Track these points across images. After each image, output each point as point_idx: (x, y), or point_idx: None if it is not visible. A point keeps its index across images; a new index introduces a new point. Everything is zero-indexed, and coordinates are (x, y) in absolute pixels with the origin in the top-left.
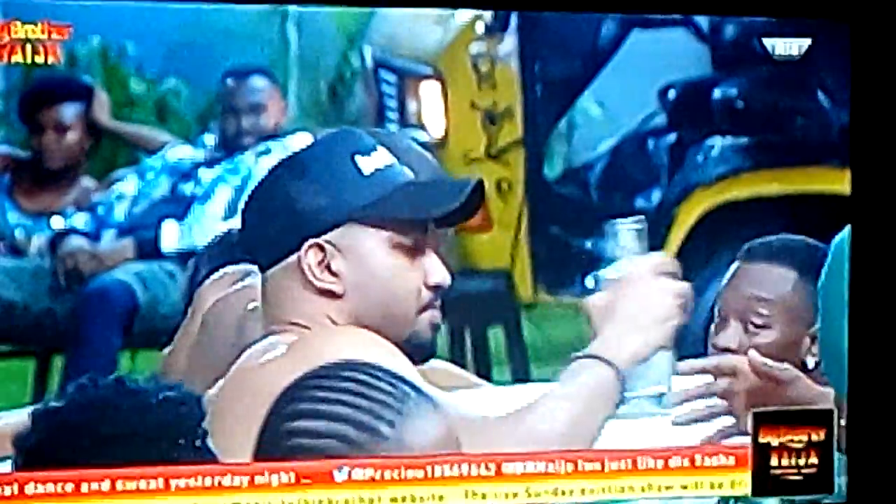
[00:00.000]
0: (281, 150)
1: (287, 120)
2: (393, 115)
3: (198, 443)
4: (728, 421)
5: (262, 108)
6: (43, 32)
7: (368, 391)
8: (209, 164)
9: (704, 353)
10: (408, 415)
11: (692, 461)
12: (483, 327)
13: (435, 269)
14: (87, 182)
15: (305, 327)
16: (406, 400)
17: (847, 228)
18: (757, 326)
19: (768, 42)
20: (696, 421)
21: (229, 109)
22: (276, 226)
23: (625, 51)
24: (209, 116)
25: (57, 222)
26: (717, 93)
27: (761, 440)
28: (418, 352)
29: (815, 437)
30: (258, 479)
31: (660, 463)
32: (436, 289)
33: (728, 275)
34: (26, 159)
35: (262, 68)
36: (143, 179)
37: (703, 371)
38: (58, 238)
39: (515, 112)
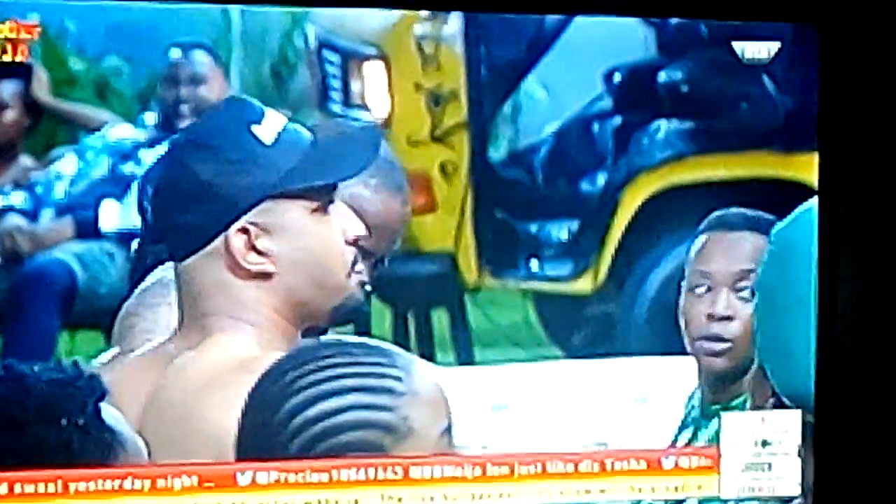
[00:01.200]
0: None
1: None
2: (336, 96)
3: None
4: None
5: (203, 87)
6: (11, 31)
7: (359, 356)
8: (150, 143)
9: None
10: (404, 367)
11: (659, 463)
12: (427, 310)
13: (350, 223)
14: (25, 161)
15: (238, 319)
16: (391, 354)
17: (788, 219)
18: (743, 292)
19: (738, 46)
20: None
21: (170, 88)
22: (189, 213)
23: (570, 33)
24: (150, 96)
25: None
26: (662, 76)
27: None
28: (354, 315)
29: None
30: (160, 483)
31: (627, 465)
32: (356, 243)
33: (698, 245)
34: None
35: (203, 45)
36: (83, 159)
37: None
38: None
39: (460, 94)
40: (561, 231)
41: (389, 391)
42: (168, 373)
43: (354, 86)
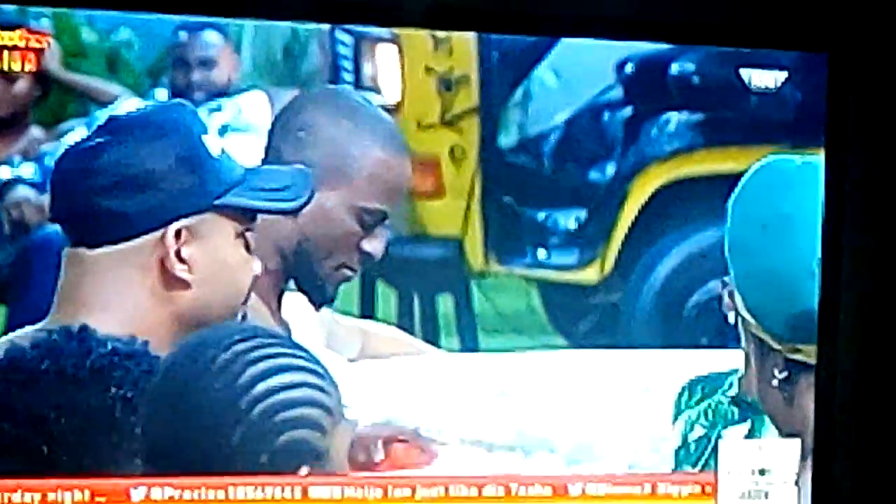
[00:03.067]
0: (233, 107)
1: (239, 77)
2: (348, 77)
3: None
4: None
5: (213, 63)
6: (20, 40)
7: (286, 340)
8: None
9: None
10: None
11: (654, 488)
12: (432, 294)
13: (255, 258)
14: (35, 132)
15: (119, 314)
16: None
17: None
18: None
19: (745, 73)
20: None
21: (180, 63)
22: (120, 200)
23: None
24: (161, 70)
25: (3, 172)
26: (674, 67)
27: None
28: None
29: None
30: (50, 497)
31: (622, 490)
32: (256, 279)
33: None
34: None
35: (215, 23)
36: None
37: None
38: (4, 188)
39: (471, 79)
40: (568, 220)
41: (320, 374)
42: None
43: (366, 68)
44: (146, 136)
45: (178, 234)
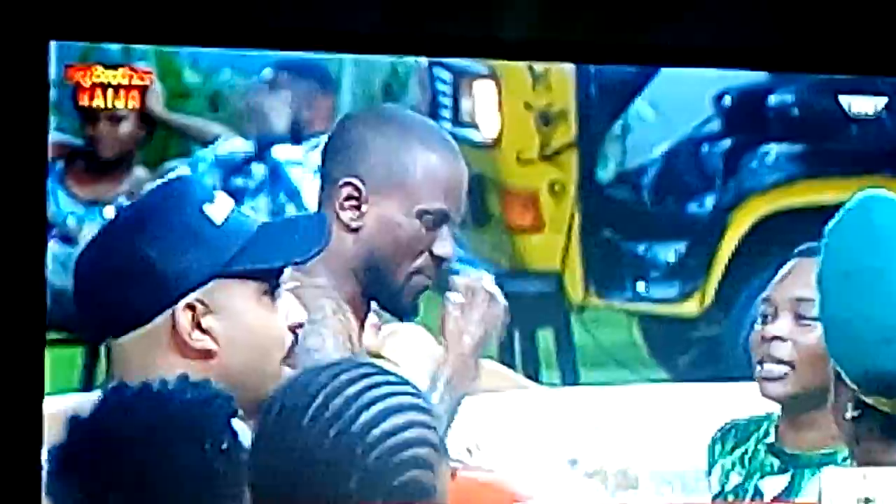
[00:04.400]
0: None
1: (339, 115)
2: (447, 114)
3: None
4: None
5: (312, 101)
6: (124, 78)
7: (390, 376)
8: (259, 157)
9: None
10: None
11: None
12: (533, 329)
13: (293, 309)
14: (139, 172)
15: None
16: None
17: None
18: (808, 319)
19: (844, 100)
20: None
21: (280, 103)
22: (132, 289)
23: None
24: (261, 109)
25: (109, 211)
26: (772, 99)
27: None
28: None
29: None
30: None
31: None
32: (295, 330)
33: (783, 271)
34: (80, 147)
35: (315, 62)
36: (195, 171)
37: None
38: None
39: (569, 114)
40: (668, 252)
41: (428, 410)
42: None
43: (465, 104)
44: (145, 223)
45: (191, 307)
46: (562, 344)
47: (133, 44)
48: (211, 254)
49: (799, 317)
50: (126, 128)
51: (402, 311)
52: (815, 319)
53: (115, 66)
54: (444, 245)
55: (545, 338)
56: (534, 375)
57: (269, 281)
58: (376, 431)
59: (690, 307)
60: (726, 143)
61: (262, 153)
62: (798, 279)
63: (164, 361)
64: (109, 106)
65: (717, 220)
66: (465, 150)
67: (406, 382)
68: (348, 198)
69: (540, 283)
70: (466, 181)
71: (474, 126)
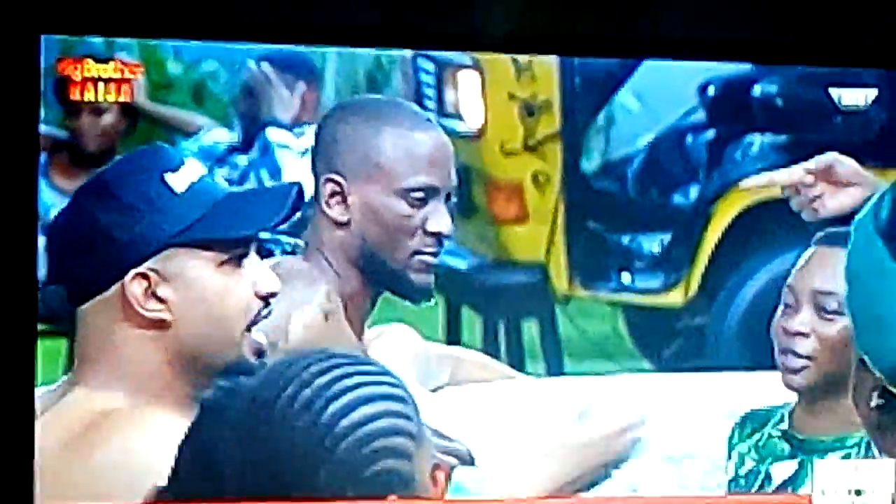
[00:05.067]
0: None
1: (323, 106)
2: (431, 105)
3: None
4: None
5: (297, 91)
6: (115, 71)
7: (365, 365)
8: (244, 148)
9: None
10: (397, 376)
11: None
12: (517, 320)
13: (264, 278)
14: None
15: (115, 368)
16: (377, 363)
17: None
18: (830, 312)
19: (834, 92)
20: None
21: (264, 93)
22: (90, 257)
23: None
24: (246, 100)
25: None
26: (756, 90)
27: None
28: (247, 371)
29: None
30: None
31: None
32: (266, 298)
33: (804, 258)
34: (63, 140)
35: (299, 53)
36: None
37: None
38: None
39: (554, 104)
40: (653, 243)
41: (403, 399)
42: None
43: (448, 95)
44: (106, 191)
45: (145, 276)
46: (546, 335)
47: (117, 37)
48: (166, 222)
49: (820, 309)
50: (109, 119)
51: (414, 293)
52: (836, 313)
53: (104, 60)
54: (437, 221)
55: (530, 329)
56: (518, 366)
57: (231, 249)
58: (345, 422)
59: (675, 298)
60: (711, 133)
61: (246, 143)
62: (819, 270)
63: (119, 331)
64: (100, 100)
65: (702, 211)
66: (450, 141)
67: (384, 373)
68: (332, 194)
69: (524, 274)
70: (450, 151)
71: (459, 117)
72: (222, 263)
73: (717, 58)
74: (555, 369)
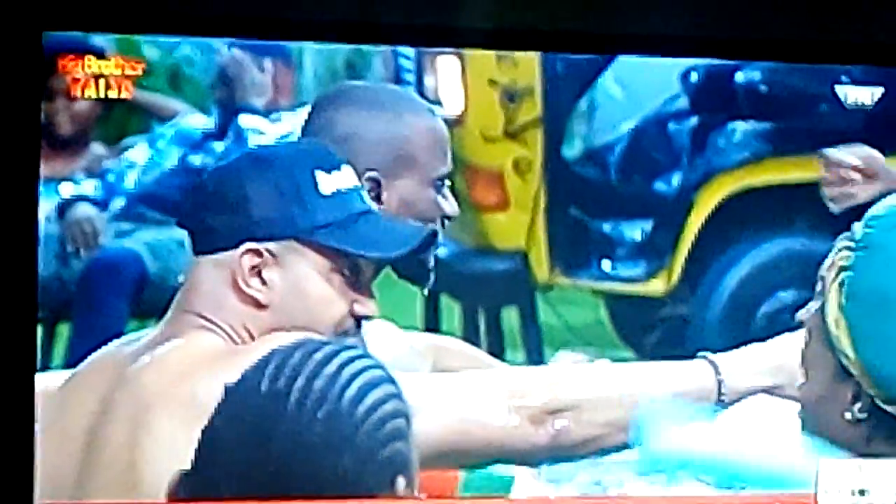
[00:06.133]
0: (293, 119)
1: (300, 91)
2: (411, 91)
3: None
4: None
5: (274, 77)
6: (116, 68)
7: (355, 349)
8: (219, 135)
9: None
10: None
11: None
12: (497, 307)
13: (365, 301)
14: (97, 149)
15: (217, 326)
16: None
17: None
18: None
19: (840, 90)
20: None
21: (241, 78)
22: (225, 217)
23: None
24: (223, 85)
25: (66, 189)
26: (739, 77)
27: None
28: None
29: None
30: None
31: None
32: (359, 320)
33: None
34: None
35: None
36: (155, 147)
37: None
38: (67, 205)
39: (535, 90)
40: (634, 231)
41: (394, 380)
42: (127, 374)
43: (428, 80)
44: (260, 165)
45: (258, 253)
46: (527, 323)
47: (94, 31)
48: (303, 216)
49: None
50: (83, 105)
51: (421, 277)
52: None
53: (106, 57)
54: (451, 204)
55: (510, 316)
56: (498, 354)
57: (343, 262)
58: (361, 408)
59: (657, 286)
60: (693, 120)
61: (221, 130)
62: None
63: (220, 294)
64: (102, 97)
65: (684, 199)
66: None
67: (368, 356)
68: (369, 191)
69: (505, 262)
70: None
71: (439, 103)
72: (332, 272)
73: (721, 56)
74: (535, 358)
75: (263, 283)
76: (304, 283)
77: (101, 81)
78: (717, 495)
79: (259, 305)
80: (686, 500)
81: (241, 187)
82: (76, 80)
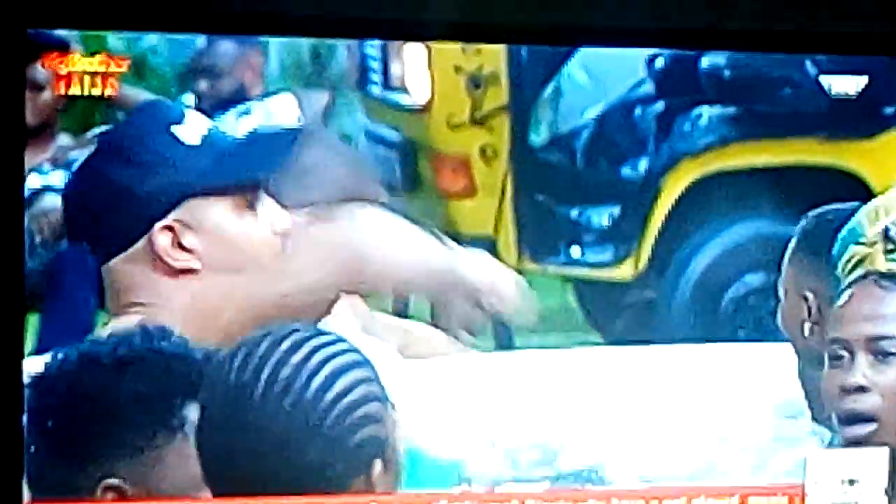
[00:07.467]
0: (262, 110)
1: (267, 81)
2: (377, 78)
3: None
4: None
5: (241, 67)
6: (101, 65)
7: (329, 334)
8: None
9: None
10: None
11: (743, 501)
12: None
13: (277, 216)
14: (64, 139)
15: (164, 308)
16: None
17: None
18: (888, 355)
19: (825, 80)
20: None
21: (207, 68)
22: (110, 216)
23: None
24: (189, 75)
25: (33, 180)
26: (704, 62)
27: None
28: None
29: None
30: None
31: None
32: (283, 236)
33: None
34: None
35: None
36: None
37: None
38: (33, 196)
39: (501, 77)
40: (602, 217)
41: (368, 363)
42: None
43: (394, 68)
44: (119, 149)
45: (170, 228)
46: None
47: (65, 28)
48: (182, 174)
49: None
50: (48, 95)
51: None
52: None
53: (91, 54)
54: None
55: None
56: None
57: (246, 193)
58: (329, 395)
59: (625, 271)
60: (659, 105)
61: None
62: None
63: (150, 282)
64: (86, 94)
65: (651, 184)
66: (396, 114)
67: (342, 339)
68: None
69: (473, 249)
70: None
71: (404, 90)
72: (239, 206)
73: (698, 46)
74: (504, 343)
75: (187, 250)
76: (220, 230)
77: (87, 78)
78: (706, 486)
79: (192, 272)
80: (673, 490)
81: (111, 183)
82: (60, 78)
